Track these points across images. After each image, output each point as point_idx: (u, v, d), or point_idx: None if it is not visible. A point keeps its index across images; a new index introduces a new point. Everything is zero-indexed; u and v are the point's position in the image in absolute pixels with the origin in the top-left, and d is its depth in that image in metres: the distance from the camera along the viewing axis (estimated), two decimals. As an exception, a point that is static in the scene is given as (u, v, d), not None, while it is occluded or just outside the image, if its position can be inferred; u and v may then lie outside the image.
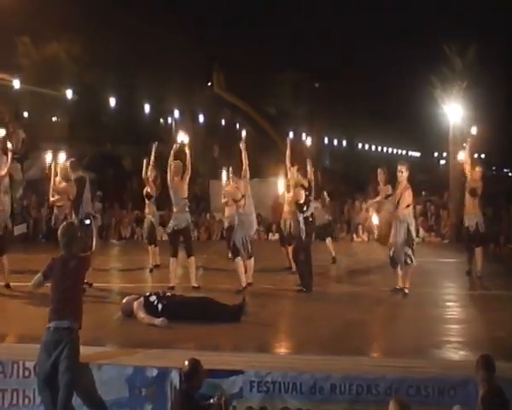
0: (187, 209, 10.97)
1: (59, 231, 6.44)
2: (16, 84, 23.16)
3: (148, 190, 12.61)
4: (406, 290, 10.25)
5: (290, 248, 12.05)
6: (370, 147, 53.79)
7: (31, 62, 25.86)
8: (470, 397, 5.98)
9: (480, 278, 11.72)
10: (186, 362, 5.91)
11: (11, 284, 10.79)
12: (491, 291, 10.84)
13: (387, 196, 11.00)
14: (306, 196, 10.74)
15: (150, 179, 12.59)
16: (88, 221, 7.23)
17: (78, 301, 6.33)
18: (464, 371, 6.25)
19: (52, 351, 6.06)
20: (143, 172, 12.67)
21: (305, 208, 10.66)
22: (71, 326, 6.14)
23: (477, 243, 11.84)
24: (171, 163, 10.84)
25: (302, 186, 10.85)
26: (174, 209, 10.87)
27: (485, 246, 12.72)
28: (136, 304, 8.61)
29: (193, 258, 10.88)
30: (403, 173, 10.38)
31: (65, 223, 6.66)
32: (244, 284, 10.60)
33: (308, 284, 10.55)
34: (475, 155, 12.47)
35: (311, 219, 10.74)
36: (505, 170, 40.12)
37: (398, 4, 35.00)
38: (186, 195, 10.95)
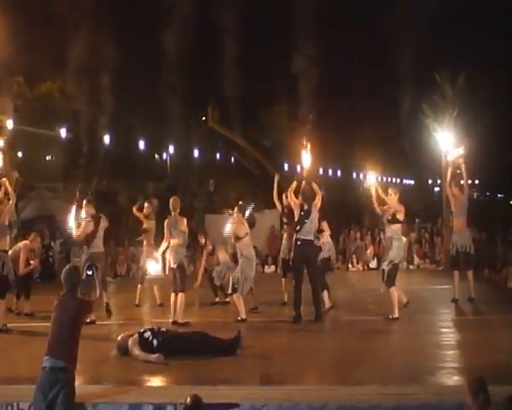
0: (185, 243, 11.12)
1: (62, 275, 6.43)
2: (10, 124, 23.23)
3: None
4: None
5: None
6: (365, 176, 53.85)
7: (24, 102, 26.03)
8: (465, 423, 5.98)
9: (473, 300, 11.73)
10: (188, 398, 5.88)
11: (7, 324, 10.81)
12: (486, 316, 10.85)
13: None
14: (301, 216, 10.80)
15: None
16: (90, 272, 7.23)
17: (75, 342, 6.27)
18: (459, 396, 6.23)
19: (47, 392, 6.00)
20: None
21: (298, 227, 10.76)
22: (66, 367, 6.09)
23: (468, 266, 11.88)
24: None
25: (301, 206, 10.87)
26: (172, 242, 10.96)
27: (477, 269, 12.77)
28: (130, 341, 8.59)
29: (183, 294, 10.83)
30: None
31: (68, 266, 6.62)
32: (244, 316, 10.74)
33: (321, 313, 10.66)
34: (469, 181, 12.48)
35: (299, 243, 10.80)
36: (499, 195, 40.24)
37: (389, 32, 35.35)
38: (185, 228, 11.08)
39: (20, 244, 12.26)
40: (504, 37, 30.35)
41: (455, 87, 20.81)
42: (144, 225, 13.22)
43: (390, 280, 10.54)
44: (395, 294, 10.52)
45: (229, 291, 11.19)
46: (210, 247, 13.51)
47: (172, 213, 11.00)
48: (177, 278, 10.83)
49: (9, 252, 11.43)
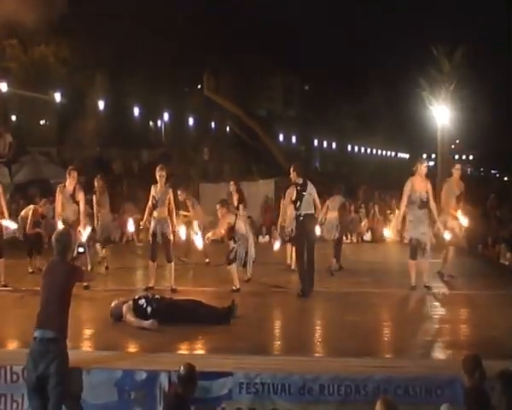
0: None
1: (53, 237, 6.31)
2: (3, 87, 23.06)
3: None
4: None
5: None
6: (360, 149, 53.91)
7: (19, 65, 25.80)
8: (457, 396, 6.02)
9: (453, 277, 11.80)
10: (182, 367, 5.91)
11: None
12: (478, 291, 10.89)
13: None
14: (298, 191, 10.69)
15: None
16: (82, 249, 7.22)
17: (65, 309, 6.15)
18: (451, 370, 6.29)
19: (38, 363, 5.93)
20: None
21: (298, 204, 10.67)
22: (57, 337, 5.99)
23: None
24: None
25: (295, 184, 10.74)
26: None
27: (471, 245, 12.96)
28: (125, 307, 8.59)
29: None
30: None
31: (60, 230, 6.50)
32: (238, 286, 10.78)
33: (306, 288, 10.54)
34: (463, 157, 12.47)
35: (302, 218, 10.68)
36: (493, 171, 40.28)
37: (386, 6, 35.20)
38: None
39: (31, 206, 13.04)
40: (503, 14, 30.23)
41: (452, 61, 20.71)
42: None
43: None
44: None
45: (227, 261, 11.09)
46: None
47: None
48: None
49: (21, 213, 12.78)
